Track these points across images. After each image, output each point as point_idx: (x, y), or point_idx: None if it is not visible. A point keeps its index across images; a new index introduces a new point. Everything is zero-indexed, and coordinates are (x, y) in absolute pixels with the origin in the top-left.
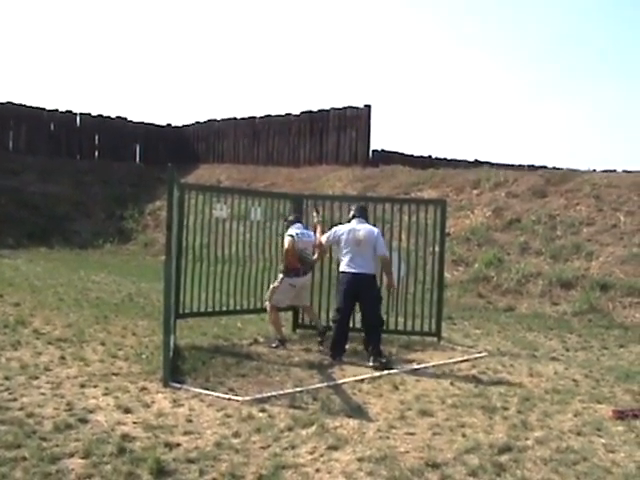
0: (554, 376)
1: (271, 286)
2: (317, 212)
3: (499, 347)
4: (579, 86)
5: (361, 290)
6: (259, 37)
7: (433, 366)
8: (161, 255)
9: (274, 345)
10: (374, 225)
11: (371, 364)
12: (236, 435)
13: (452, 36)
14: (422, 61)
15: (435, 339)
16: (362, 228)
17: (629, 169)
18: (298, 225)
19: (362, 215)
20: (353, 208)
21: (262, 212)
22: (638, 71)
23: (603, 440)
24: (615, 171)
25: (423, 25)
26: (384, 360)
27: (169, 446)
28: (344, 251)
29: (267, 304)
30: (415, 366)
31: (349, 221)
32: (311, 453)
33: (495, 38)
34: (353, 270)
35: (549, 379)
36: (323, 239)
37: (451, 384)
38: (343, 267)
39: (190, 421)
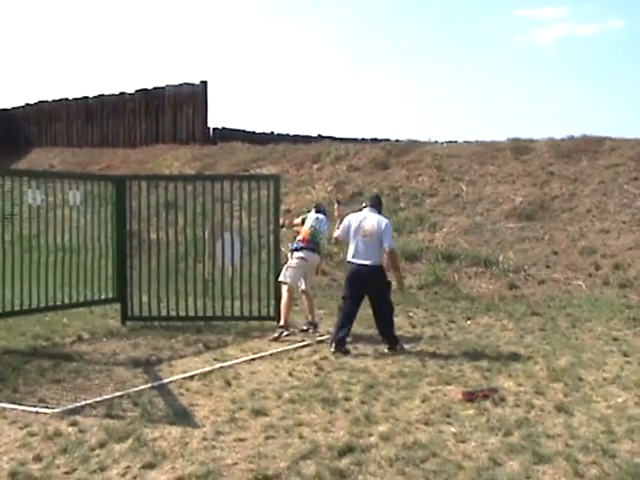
0: (400, 357)
1: (284, 266)
2: (339, 203)
3: None
4: (422, 59)
5: (366, 281)
6: (90, 12)
7: (271, 354)
8: None
9: (284, 333)
10: (383, 215)
11: (386, 351)
12: (37, 459)
13: (286, 11)
14: (261, 37)
15: (275, 323)
16: (370, 218)
17: (469, 139)
18: (320, 214)
19: (374, 205)
20: (367, 197)
21: (82, 196)
22: (481, 41)
23: (453, 429)
24: (457, 142)
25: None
26: (398, 346)
27: None
28: (351, 240)
29: (284, 287)
30: (251, 356)
31: (360, 210)
32: (123, 475)
33: (331, 14)
34: (357, 261)
35: (395, 361)
36: (336, 234)
37: (290, 374)
38: (349, 257)
39: None
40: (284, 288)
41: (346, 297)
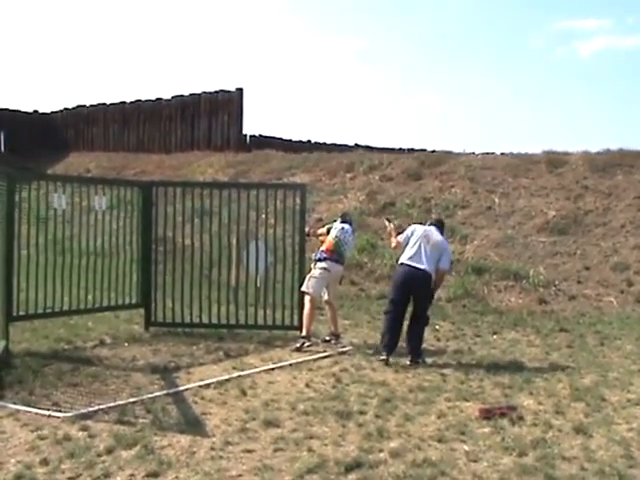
0: (421, 371)
1: (307, 276)
2: (389, 221)
3: (366, 339)
4: (462, 70)
5: (416, 285)
6: (127, 19)
7: (290, 365)
8: (22, 248)
9: (306, 344)
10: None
11: (408, 363)
12: (44, 463)
13: (326, 21)
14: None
15: (298, 333)
16: (436, 233)
17: (505, 151)
18: (345, 224)
19: (439, 226)
20: (432, 218)
21: (107, 201)
22: (516, 55)
23: (466, 447)
24: (493, 153)
25: (296, 10)
26: (421, 360)
27: None
28: (411, 244)
29: (306, 297)
30: (271, 365)
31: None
32: None
33: (374, 25)
34: (413, 264)
35: (415, 375)
36: (399, 238)
37: (307, 385)
38: (403, 259)
39: None
40: (306, 298)
41: (393, 301)
